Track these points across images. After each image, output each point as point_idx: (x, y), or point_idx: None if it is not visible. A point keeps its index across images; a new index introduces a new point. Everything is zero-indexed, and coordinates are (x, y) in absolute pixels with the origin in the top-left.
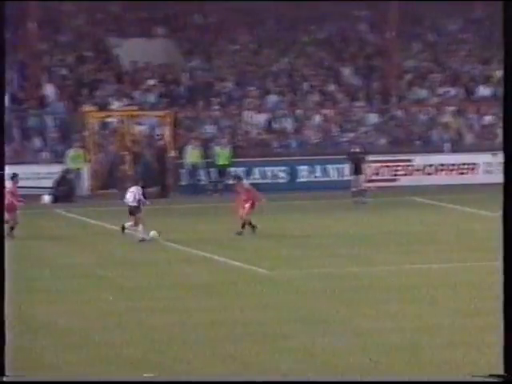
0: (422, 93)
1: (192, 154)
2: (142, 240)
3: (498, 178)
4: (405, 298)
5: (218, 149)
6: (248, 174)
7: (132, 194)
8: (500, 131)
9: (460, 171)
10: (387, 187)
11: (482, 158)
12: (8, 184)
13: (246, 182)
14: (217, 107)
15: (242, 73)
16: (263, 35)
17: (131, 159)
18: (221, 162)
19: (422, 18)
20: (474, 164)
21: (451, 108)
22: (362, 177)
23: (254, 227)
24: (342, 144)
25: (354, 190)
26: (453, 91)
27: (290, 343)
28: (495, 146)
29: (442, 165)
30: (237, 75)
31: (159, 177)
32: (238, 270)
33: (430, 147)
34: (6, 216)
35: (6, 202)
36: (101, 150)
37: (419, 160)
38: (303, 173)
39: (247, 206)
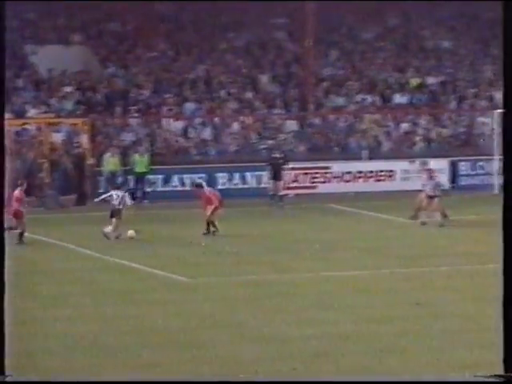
0: (340, 100)
1: (110, 162)
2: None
3: (415, 185)
4: (323, 305)
5: (136, 156)
6: (166, 181)
7: (118, 198)
8: (417, 139)
9: (377, 178)
10: (306, 194)
11: (399, 166)
12: (15, 191)
13: (207, 189)
14: (134, 114)
15: (159, 80)
16: (180, 42)
17: (49, 167)
18: (139, 169)
19: (339, 26)
20: (391, 171)
21: (368, 115)
22: (280, 183)
23: (215, 227)
24: (261, 151)
25: (271, 193)
26: (369, 99)
27: (211, 350)
28: (412, 153)
29: (360, 172)
30: (154, 82)
31: (77, 184)
32: (157, 278)
33: (347, 154)
34: (14, 222)
35: (14, 208)
36: (18, 158)
37: (337, 167)
38: (222, 180)
39: (211, 207)
